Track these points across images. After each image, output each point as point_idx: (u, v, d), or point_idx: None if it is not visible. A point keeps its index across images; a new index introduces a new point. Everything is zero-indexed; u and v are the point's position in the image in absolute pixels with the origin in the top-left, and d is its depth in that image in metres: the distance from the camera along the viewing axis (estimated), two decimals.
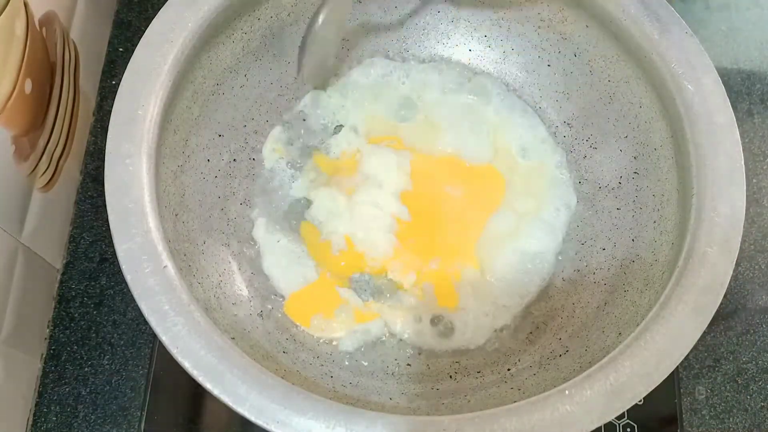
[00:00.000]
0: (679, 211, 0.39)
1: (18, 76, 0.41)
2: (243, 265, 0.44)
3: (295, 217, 0.46)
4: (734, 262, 0.35)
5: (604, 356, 0.33)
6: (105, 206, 0.34)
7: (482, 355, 0.42)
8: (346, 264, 0.45)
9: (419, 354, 0.42)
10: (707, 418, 0.47)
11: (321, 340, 0.43)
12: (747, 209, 0.36)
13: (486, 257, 0.45)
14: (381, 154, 0.47)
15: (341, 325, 0.43)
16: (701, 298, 0.34)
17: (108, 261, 0.48)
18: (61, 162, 0.48)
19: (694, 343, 0.33)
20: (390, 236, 0.45)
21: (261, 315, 0.42)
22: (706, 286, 0.34)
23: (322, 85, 0.49)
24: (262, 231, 0.45)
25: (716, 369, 0.48)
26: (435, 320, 0.43)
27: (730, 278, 0.35)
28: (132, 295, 0.33)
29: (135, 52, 0.38)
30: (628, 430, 0.44)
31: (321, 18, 0.41)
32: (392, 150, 0.47)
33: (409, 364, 0.42)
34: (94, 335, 0.47)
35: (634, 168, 0.44)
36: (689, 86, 0.39)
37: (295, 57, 0.48)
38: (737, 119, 0.38)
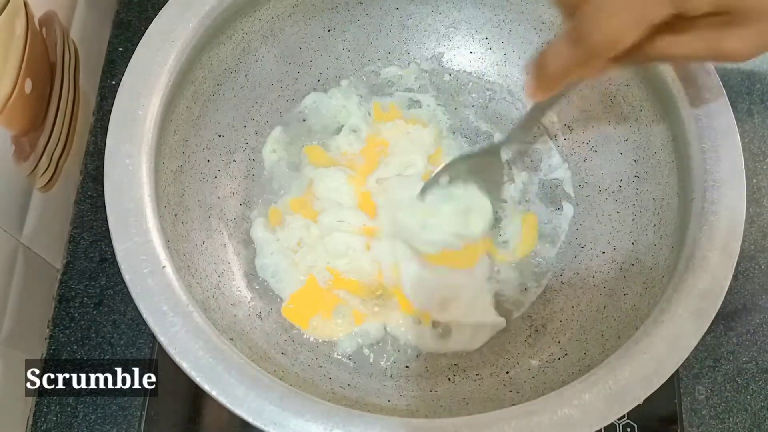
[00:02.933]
0: (680, 215, 0.39)
1: (18, 76, 0.41)
2: (242, 266, 0.44)
3: None
4: (734, 267, 0.35)
5: (604, 360, 0.33)
6: (105, 206, 0.34)
7: (481, 358, 0.42)
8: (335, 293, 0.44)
9: (418, 356, 0.42)
10: (707, 418, 0.47)
11: (320, 342, 0.43)
12: (747, 210, 0.36)
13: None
14: (331, 176, 0.46)
15: (340, 327, 0.43)
16: (701, 303, 0.34)
17: (108, 261, 0.48)
18: (61, 162, 0.48)
19: (693, 347, 0.33)
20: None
21: (260, 316, 0.42)
22: (705, 291, 0.34)
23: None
24: (260, 231, 0.45)
25: (716, 369, 0.48)
26: (435, 322, 0.43)
27: (729, 282, 0.34)
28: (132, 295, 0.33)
29: (135, 51, 0.38)
30: (628, 430, 0.44)
31: None
32: (340, 168, 0.47)
33: (407, 366, 0.42)
34: (94, 335, 0.47)
35: (635, 171, 0.44)
36: (690, 89, 0.39)
37: (296, 58, 0.48)
38: (737, 119, 0.38)
